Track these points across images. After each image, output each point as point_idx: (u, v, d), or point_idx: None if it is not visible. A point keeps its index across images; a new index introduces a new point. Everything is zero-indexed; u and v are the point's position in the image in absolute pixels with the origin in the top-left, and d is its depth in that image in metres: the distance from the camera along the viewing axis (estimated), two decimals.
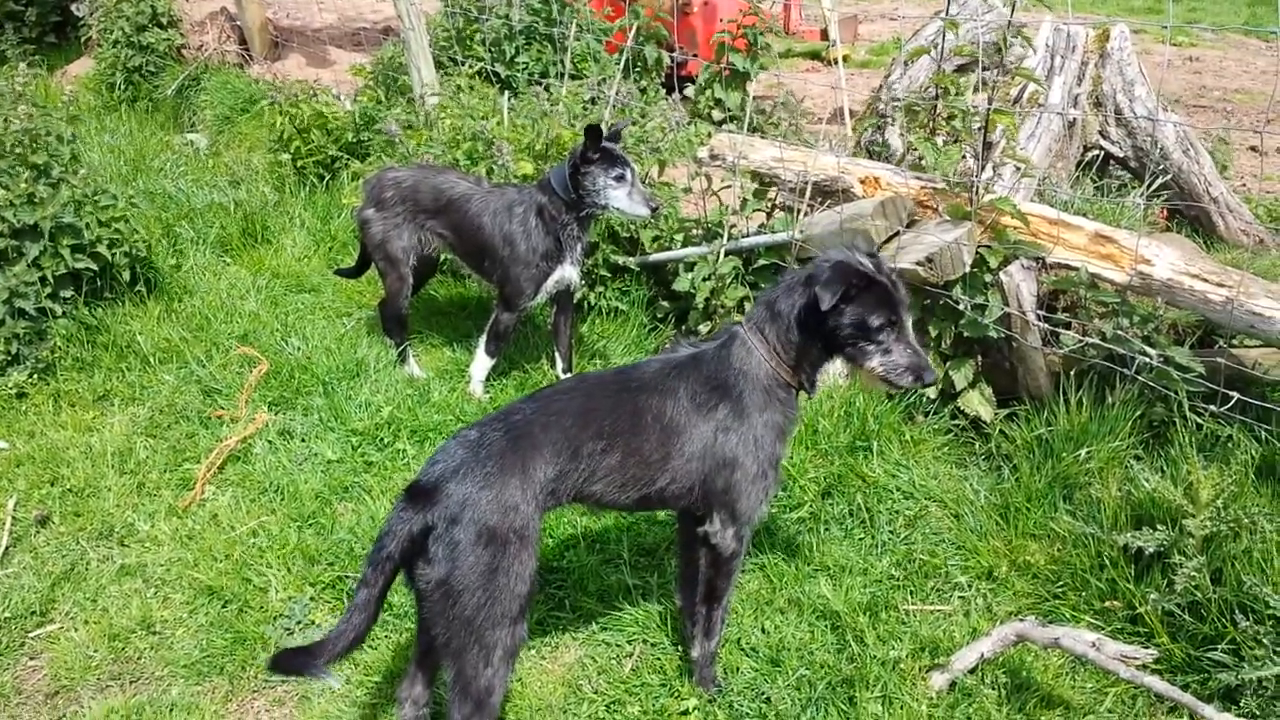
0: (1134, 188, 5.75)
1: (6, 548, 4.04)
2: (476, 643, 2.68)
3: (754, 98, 7.49)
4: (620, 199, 4.55)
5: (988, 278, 4.19)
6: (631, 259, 5.57)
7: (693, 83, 7.88)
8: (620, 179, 4.53)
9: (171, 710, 3.27)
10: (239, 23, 9.80)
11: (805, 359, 3.01)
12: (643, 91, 7.33)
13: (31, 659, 3.54)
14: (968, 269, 4.14)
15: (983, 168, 4.27)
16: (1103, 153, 5.90)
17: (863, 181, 4.76)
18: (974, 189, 4.23)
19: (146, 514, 4.20)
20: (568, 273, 4.79)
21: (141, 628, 3.63)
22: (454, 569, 2.64)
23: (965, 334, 4.23)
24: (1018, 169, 4.67)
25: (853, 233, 4.45)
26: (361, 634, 2.67)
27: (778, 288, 3.05)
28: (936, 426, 4.38)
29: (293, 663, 2.67)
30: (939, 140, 4.60)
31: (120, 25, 9.36)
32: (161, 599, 3.76)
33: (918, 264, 4.12)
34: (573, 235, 4.70)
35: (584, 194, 4.56)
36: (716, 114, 7.81)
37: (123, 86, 9.32)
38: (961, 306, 4.19)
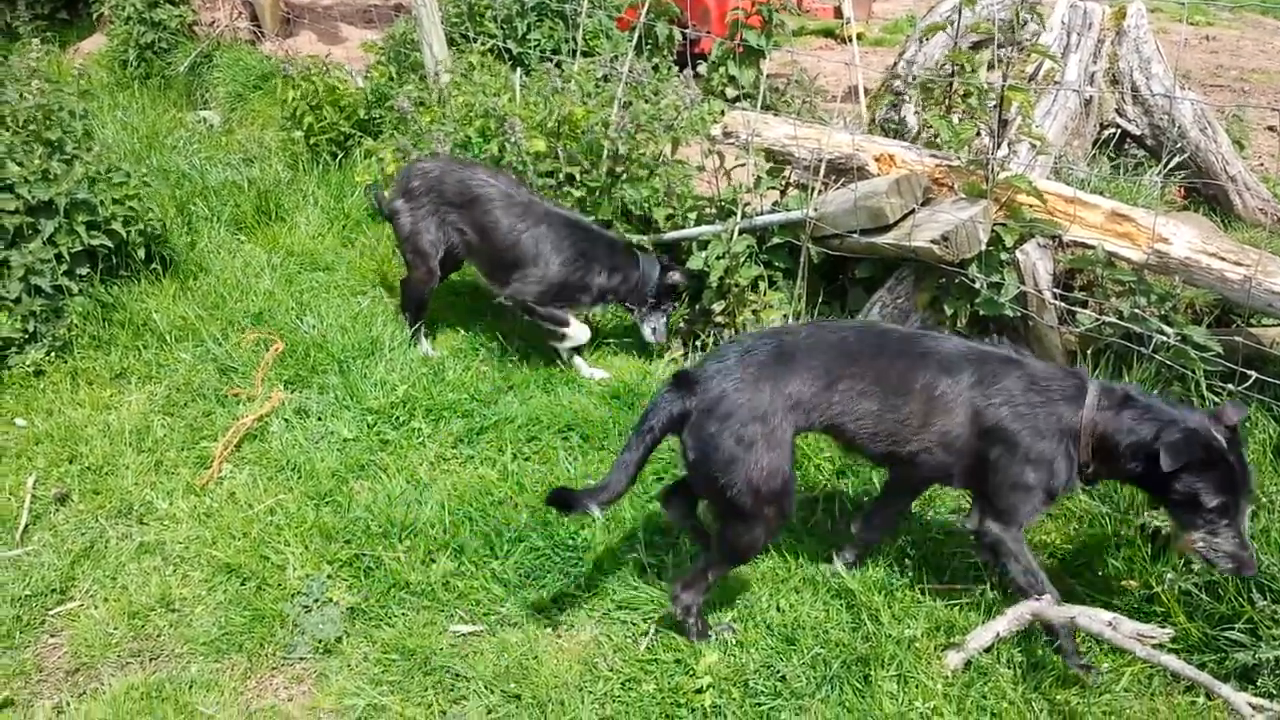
0: (1151, 166, 5.70)
1: (26, 525, 4.07)
2: (735, 516, 3.10)
3: (767, 75, 7.45)
4: (654, 324, 5.09)
5: (1004, 256, 4.17)
6: (645, 237, 5.55)
7: (705, 60, 7.83)
8: (666, 312, 5.10)
9: (191, 687, 3.31)
10: None
11: (1111, 469, 3.14)
12: (655, 69, 7.28)
13: (52, 636, 3.57)
14: (984, 247, 4.12)
15: (998, 145, 4.24)
16: (1119, 131, 5.84)
17: (877, 159, 4.73)
18: (989, 167, 4.21)
19: (165, 492, 4.23)
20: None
21: (161, 605, 3.66)
22: (705, 456, 3.04)
23: (981, 312, 4.22)
24: (1033, 147, 4.64)
25: (867, 210, 4.43)
26: (622, 490, 3.12)
27: (1142, 403, 3.07)
28: None
29: (567, 500, 3.10)
30: (955, 118, 4.57)
31: (132, 2, 9.30)
32: (180, 576, 3.79)
33: (933, 242, 4.10)
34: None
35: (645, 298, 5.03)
36: (730, 91, 7.77)
37: (135, 63, 9.30)
38: (977, 285, 4.18)
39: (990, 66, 5.42)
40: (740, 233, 5.00)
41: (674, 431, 3.13)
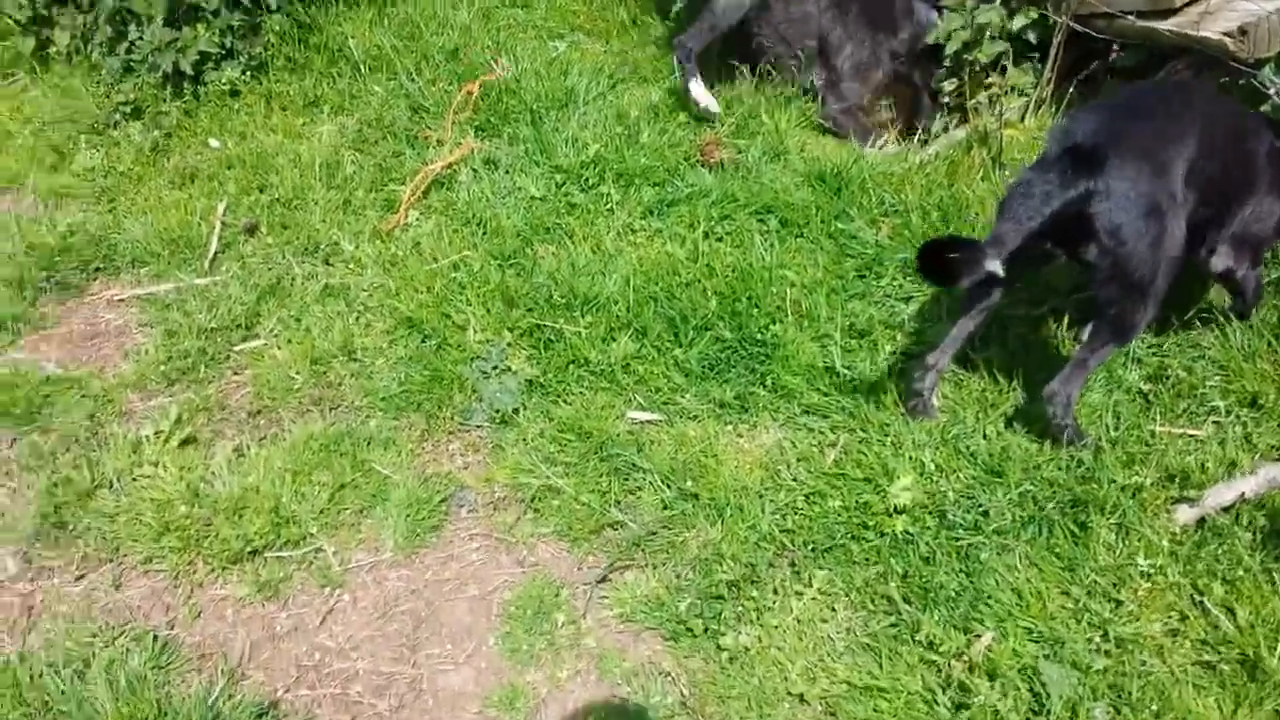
0: None
1: (215, 254, 4.07)
2: (1135, 293, 2.89)
3: None
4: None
5: None
6: None
7: None
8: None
9: (369, 444, 3.29)
10: None
11: None
12: None
13: (236, 374, 3.60)
14: None
15: None
16: None
17: None
18: None
19: (351, 233, 4.14)
20: None
21: (343, 353, 3.62)
22: (1122, 238, 2.82)
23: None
24: None
25: None
26: (1013, 248, 2.75)
27: None
28: None
29: (950, 261, 2.73)
30: None
31: None
32: (363, 326, 3.73)
33: (1227, 35, 3.46)
34: None
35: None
36: None
37: None
38: (1271, 90, 3.53)
39: None
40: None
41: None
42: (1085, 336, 3.28)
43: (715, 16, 4.59)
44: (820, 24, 4.62)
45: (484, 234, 4.09)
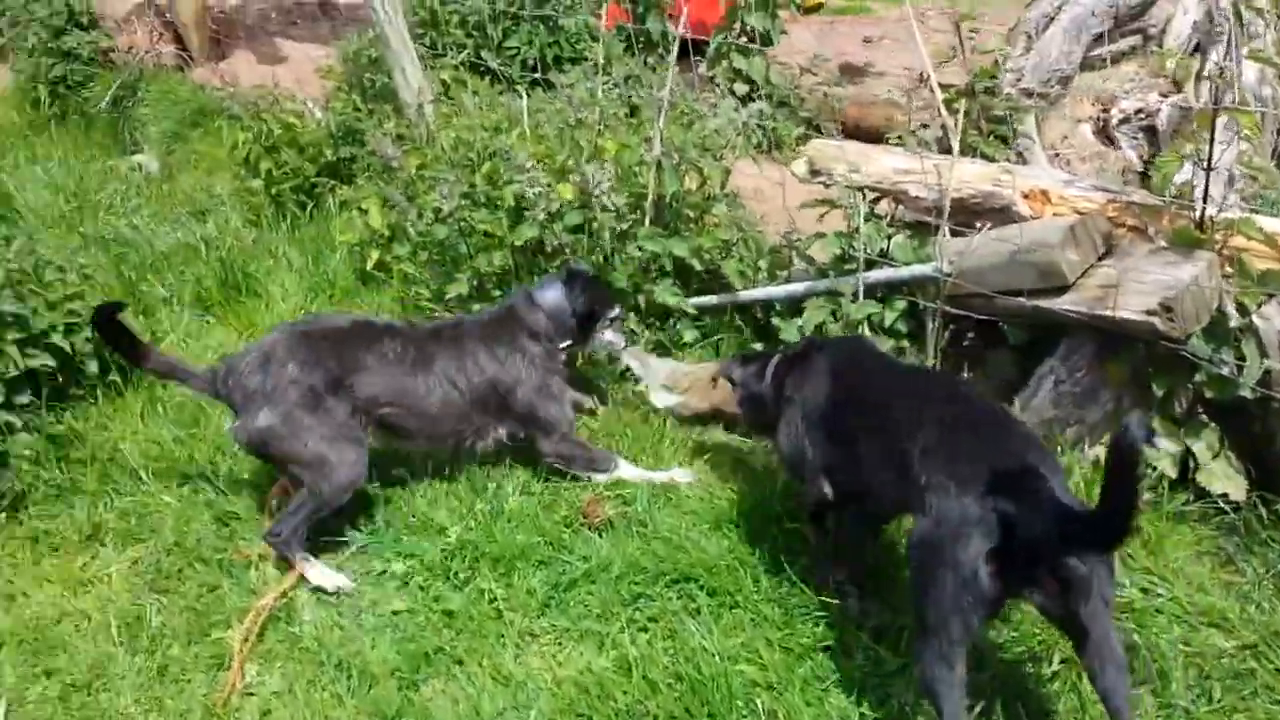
0: None
1: None
2: None
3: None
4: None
5: (1234, 323, 3.28)
6: (710, 298, 4.61)
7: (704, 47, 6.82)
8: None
9: None
10: (170, 16, 8.54)
11: None
12: (654, 70, 6.27)
13: None
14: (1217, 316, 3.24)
15: (1209, 180, 3.34)
16: None
17: (1026, 196, 3.81)
18: (1203, 209, 3.31)
19: (176, 716, 3.21)
20: None
21: None
22: None
23: (1207, 394, 3.34)
24: (1253, 179, 3.74)
25: (1034, 266, 3.52)
26: None
27: None
28: (1179, 512, 3.44)
29: None
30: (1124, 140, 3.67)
31: (34, 30, 8.09)
32: None
33: (1150, 314, 3.20)
34: None
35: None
36: (739, 88, 6.82)
37: (48, 101, 8.08)
38: (1207, 363, 3.27)
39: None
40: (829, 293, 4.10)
41: None
42: None
43: (322, 499, 3.61)
44: (470, 389, 3.86)
45: (349, 680, 3.25)
